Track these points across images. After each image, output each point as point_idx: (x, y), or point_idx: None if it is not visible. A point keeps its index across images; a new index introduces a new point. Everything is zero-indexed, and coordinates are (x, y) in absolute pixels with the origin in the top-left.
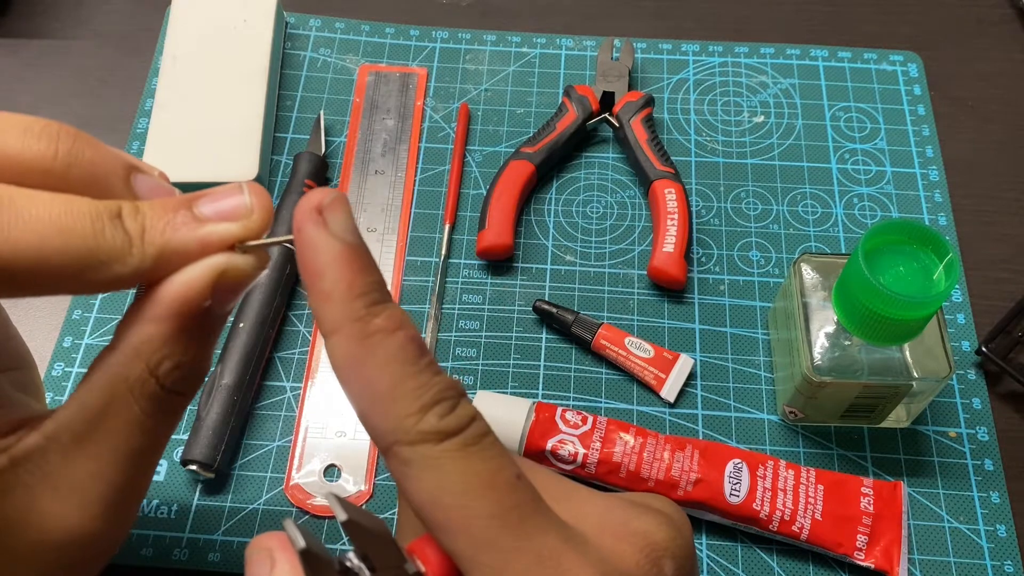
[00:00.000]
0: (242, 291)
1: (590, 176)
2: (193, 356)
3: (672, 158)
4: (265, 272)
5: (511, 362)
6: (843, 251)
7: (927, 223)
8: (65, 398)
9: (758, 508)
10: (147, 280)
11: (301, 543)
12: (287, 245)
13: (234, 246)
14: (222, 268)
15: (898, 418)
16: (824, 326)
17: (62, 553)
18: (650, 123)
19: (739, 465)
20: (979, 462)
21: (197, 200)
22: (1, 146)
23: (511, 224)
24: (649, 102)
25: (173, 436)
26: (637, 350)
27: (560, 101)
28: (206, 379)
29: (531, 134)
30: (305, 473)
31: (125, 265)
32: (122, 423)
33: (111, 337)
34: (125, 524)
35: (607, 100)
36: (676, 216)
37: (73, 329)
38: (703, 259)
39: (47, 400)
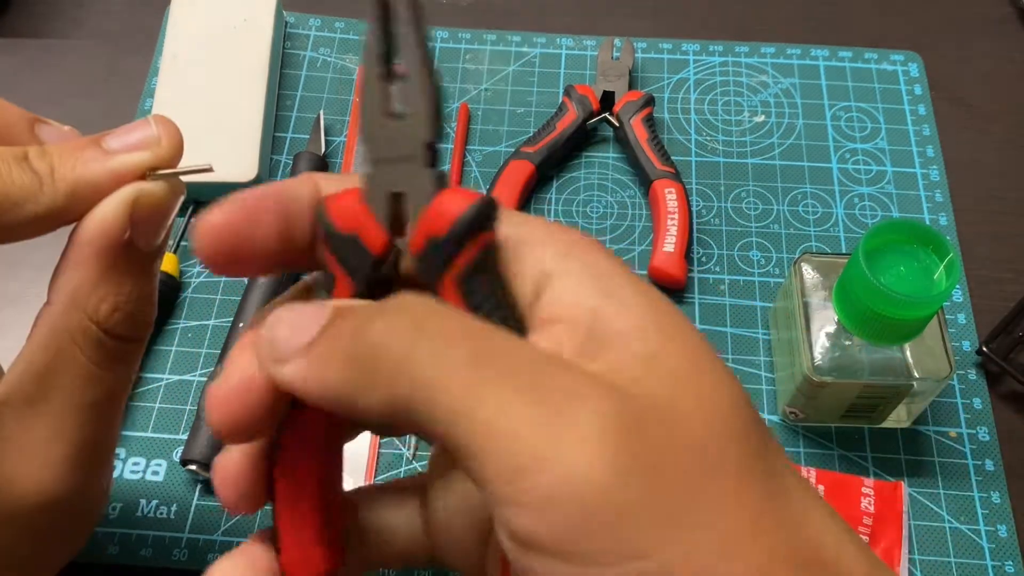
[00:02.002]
0: (162, 222)
1: (590, 176)
2: (128, 295)
3: (672, 158)
4: (265, 276)
5: None
6: (844, 251)
7: (928, 223)
8: None
9: None
10: (67, 220)
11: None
12: (201, 175)
13: (146, 176)
14: (134, 196)
15: (899, 418)
16: (825, 326)
17: (33, 518)
18: (650, 122)
19: None
20: (980, 462)
21: (104, 137)
22: None
23: None
24: (649, 101)
25: (173, 436)
26: None
27: (560, 101)
28: (208, 380)
29: (531, 134)
30: None
31: (38, 204)
32: (72, 377)
33: None
34: (97, 482)
35: (607, 100)
36: (676, 216)
37: None
38: (703, 259)
39: None
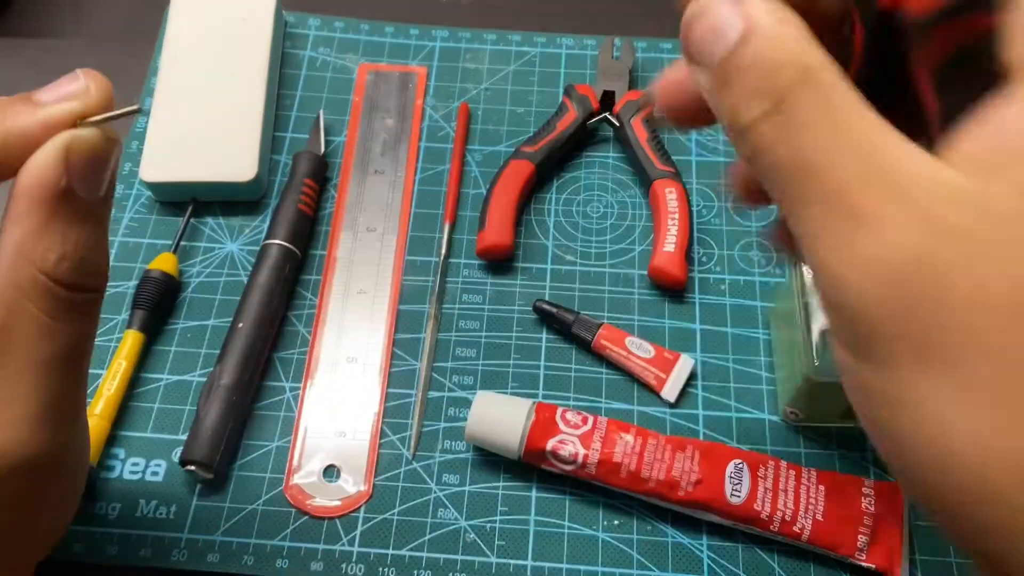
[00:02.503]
0: (100, 168)
1: (590, 176)
2: (76, 243)
3: (673, 157)
4: (265, 273)
5: (511, 362)
6: None
7: None
8: None
9: (759, 509)
10: (3, 174)
11: None
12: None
13: (77, 124)
14: (66, 143)
15: None
16: (824, 326)
17: (2, 483)
18: (651, 122)
19: (740, 466)
20: None
21: (34, 92)
22: None
23: (511, 224)
24: (650, 101)
25: (172, 436)
26: (637, 350)
27: (560, 100)
28: (207, 380)
29: (531, 133)
30: (304, 473)
31: None
32: (27, 333)
33: (111, 337)
34: (70, 441)
35: (607, 99)
36: (677, 216)
37: None
38: (704, 258)
39: None
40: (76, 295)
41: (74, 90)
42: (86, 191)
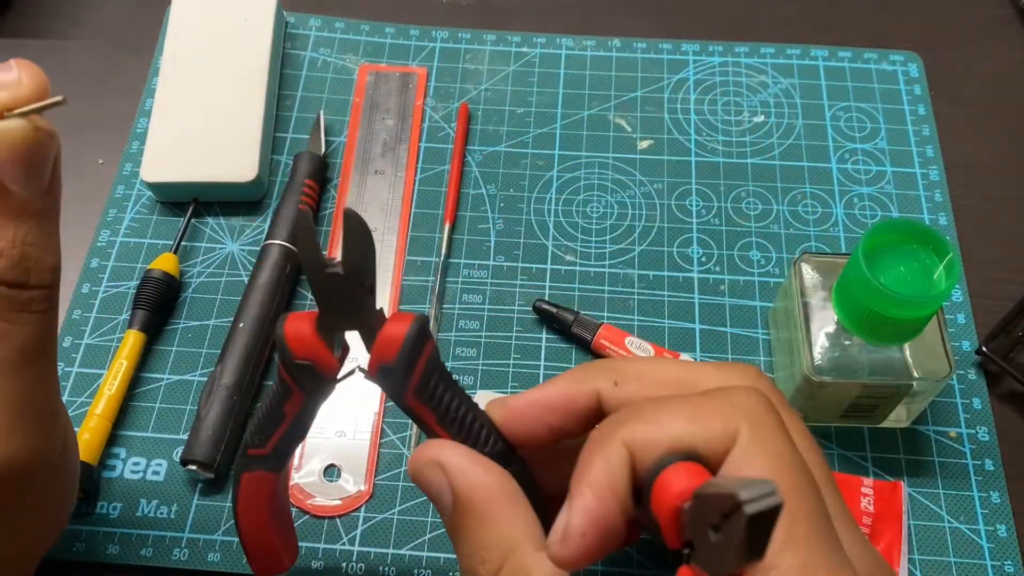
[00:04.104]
0: (32, 162)
1: (590, 176)
2: (12, 240)
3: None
4: (265, 273)
5: (511, 362)
6: (843, 251)
7: (927, 223)
8: (65, 399)
9: None
10: None
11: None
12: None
13: (2, 116)
14: None
15: (898, 418)
16: (824, 326)
17: None
18: (436, 389)
19: None
20: (979, 462)
21: None
22: None
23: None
24: (417, 345)
25: (173, 436)
26: (637, 350)
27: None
28: (208, 380)
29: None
30: (305, 473)
31: None
32: None
33: (112, 337)
34: (42, 446)
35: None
36: None
37: (73, 329)
38: (704, 259)
39: None
40: (19, 292)
41: (4, 80)
42: (21, 186)
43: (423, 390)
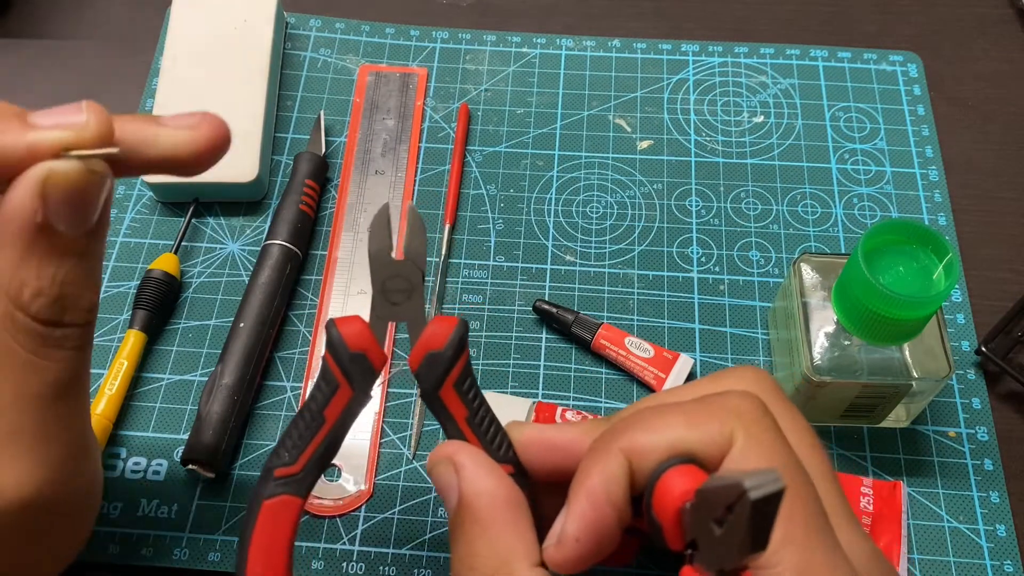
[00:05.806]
0: (83, 203)
1: (590, 176)
2: (52, 279)
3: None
4: (266, 273)
5: (511, 362)
6: (843, 251)
7: (927, 223)
8: None
9: None
10: None
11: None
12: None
13: (60, 156)
14: (43, 175)
15: (898, 418)
16: (824, 326)
17: (3, 525)
18: (470, 388)
19: None
20: (979, 462)
21: (33, 112)
22: None
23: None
24: (463, 341)
25: (174, 436)
26: (637, 350)
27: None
28: (209, 380)
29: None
30: None
31: None
32: (12, 367)
33: (112, 337)
34: (76, 475)
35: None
36: None
37: None
38: (703, 259)
39: None
40: (53, 330)
41: (73, 121)
42: (67, 226)
43: (462, 383)
